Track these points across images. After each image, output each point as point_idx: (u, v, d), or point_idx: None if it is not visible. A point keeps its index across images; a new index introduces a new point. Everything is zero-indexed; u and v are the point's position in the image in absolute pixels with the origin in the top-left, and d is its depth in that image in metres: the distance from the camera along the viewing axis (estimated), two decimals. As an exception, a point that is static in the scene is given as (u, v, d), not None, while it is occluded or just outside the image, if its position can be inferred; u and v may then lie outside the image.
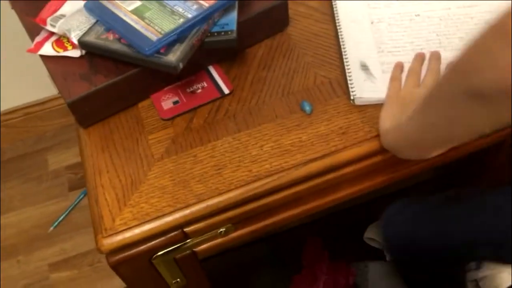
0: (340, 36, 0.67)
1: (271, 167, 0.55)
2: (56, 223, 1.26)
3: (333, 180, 0.58)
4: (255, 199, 0.56)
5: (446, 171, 1.15)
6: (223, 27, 0.62)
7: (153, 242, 0.54)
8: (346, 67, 0.63)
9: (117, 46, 0.60)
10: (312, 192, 0.58)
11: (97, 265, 1.18)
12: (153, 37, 0.58)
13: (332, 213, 1.15)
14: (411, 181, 1.15)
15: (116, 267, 0.55)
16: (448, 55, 0.63)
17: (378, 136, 0.56)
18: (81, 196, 1.30)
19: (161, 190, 0.55)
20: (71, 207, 1.29)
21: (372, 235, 1.07)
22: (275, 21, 0.69)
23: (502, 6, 0.35)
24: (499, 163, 0.73)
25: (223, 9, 0.62)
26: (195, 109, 0.63)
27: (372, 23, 0.68)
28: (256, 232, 0.61)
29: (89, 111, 0.62)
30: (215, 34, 0.61)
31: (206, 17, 0.60)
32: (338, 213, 1.14)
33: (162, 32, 0.59)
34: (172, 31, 0.58)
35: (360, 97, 0.60)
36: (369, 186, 0.62)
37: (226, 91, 0.63)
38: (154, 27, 0.60)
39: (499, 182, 0.77)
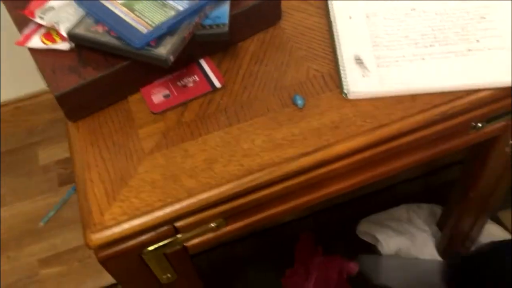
0: (334, 30, 0.66)
1: (262, 161, 0.55)
2: (46, 219, 1.25)
3: (325, 174, 0.57)
4: (247, 194, 0.55)
5: (436, 168, 1.16)
6: (215, 20, 0.61)
7: (143, 237, 0.54)
8: (339, 61, 0.62)
9: (106, 39, 0.59)
10: (304, 187, 0.58)
11: (87, 261, 1.17)
12: (144, 30, 0.57)
13: (324, 208, 1.15)
14: (400, 177, 1.16)
15: (105, 263, 0.55)
16: (443, 50, 0.62)
17: (370, 130, 0.56)
18: (71, 192, 1.29)
19: (151, 185, 0.54)
20: (61, 203, 1.28)
21: (365, 229, 1.07)
22: (267, 15, 0.68)
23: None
24: (493, 159, 0.73)
25: (215, 2, 0.61)
26: (186, 103, 0.62)
27: (367, 17, 0.68)
28: (247, 227, 0.60)
29: (78, 104, 0.61)
30: (207, 27, 0.61)
31: (198, 10, 0.59)
32: (331, 208, 1.14)
33: (153, 25, 0.58)
34: (163, 23, 0.57)
35: (354, 91, 0.59)
36: (361, 180, 0.62)
37: (218, 85, 0.63)
38: (145, 19, 0.59)
39: (492, 178, 0.77)
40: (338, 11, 0.68)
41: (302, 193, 0.60)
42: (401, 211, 1.08)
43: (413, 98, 0.58)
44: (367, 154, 0.58)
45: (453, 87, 0.58)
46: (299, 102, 0.59)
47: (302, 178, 0.56)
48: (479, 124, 0.63)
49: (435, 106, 0.57)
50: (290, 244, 1.10)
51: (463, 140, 0.64)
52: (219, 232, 0.59)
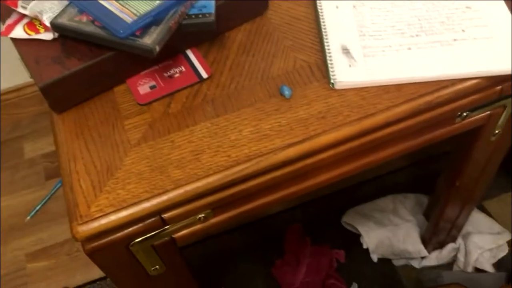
0: (321, 20, 0.66)
1: (250, 152, 0.54)
2: (33, 213, 1.24)
3: (312, 164, 0.57)
4: (234, 184, 0.55)
5: (423, 158, 1.17)
6: (201, 10, 0.60)
7: (130, 229, 0.53)
8: (326, 51, 0.62)
9: (90, 29, 0.58)
10: (291, 177, 0.58)
11: (75, 255, 1.17)
12: (128, 19, 0.57)
13: (312, 199, 1.15)
14: (388, 168, 1.17)
15: (93, 255, 0.54)
16: (429, 40, 0.63)
17: (357, 120, 0.56)
18: (58, 185, 1.27)
19: (138, 176, 0.54)
20: (48, 196, 1.26)
21: (349, 219, 1.08)
22: (254, 5, 0.68)
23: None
24: (478, 149, 0.73)
25: (201, -9, 0.61)
26: (172, 93, 0.61)
27: (354, 6, 0.68)
28: (235, 218, 0.60)
29: (62, 95, 0.60)
30: (193, 16, 0.60)
31: (183, -1, 0.59)
32: (319, 199, 1.15)
33: (138, 14, 0.57)
34: (148, 13, 0.57)
35: (340, 81, 0.59)
36: (349, 170, 0.62)
37: (205, 75, 0.62)
38: (130, 8, 0.58)
39: (478, 167, 0.78)
40: (325, 1, 0.68)
41: (290, 183, 0.60)
42: (387, 201, 1.09)
43: (399, 87, 0.58)
44: (354, 144, 0.58)
45: (439, 76, 0.59)
46: (286, 92, 0.59)
47: (289, 168, 0.56)
48: (464, 114, 0.63)
49: (421, 95, 0.57)
50: (279, 236, 1.10)
51: (449, 129, 0.65)
52: (207, 223, 0.59)
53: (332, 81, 0.59)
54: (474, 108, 0.63)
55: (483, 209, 1.09)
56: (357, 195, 1.14)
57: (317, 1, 0.68)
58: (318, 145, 0.55)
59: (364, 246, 1.04)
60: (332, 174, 0.62)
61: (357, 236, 1.07)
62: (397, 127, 0.59)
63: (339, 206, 1.12)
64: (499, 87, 0.62)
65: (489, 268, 0.99)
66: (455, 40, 0.62)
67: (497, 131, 0.70)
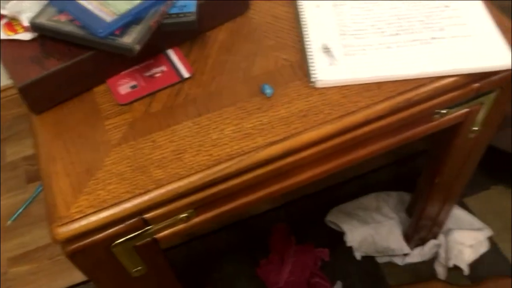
0: (302, 19, 0.66)
1: (232, 151, 0.54)
2: (14, 216, 1.22)
3: (294, 163, 0.57)
4: (216, 183, 0.55)
5: (406, 156, 1.18)
6: (182, 9, 0.60)
7: (111, 230, 0.53)
8: (307, 50, 0.63)
9: (69, 28, 0.57)
10: (274, 175, 0.58)
11: (58, 259, 1.15)
12: (108, 18, 0.56)
13: (297, 199, 1.16)
14: (371, 166, 1.18)
15: (73, 257, 0.54)
16: (408, 38, 0.63)
17: (338, 118, 0.56)
18: (40, 188, 1.25)
19: (119, 177, 0.53)
20: (30, 200, 1.24)
21: (333, 218, 1.09)
22: (235, 4, 0.68)
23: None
24: (456, 146, 0.75)
25: (182, -10, 0.61)
26: (154, 93, 0.61)
27: (334, 6, 0.68)
28: (218, 217, 0.60)
29: (42, 96, 0.59)
30: (174, 15, 0.60)
31: (164, -2, 0.58)
32: (303, 198, 1.16)
33: (117, 13, 0.57)
34: (128, 12, 0.56)
35: (321, 80, 0.59)
36: (330, 168, 0.63)
37: (186, 75, 0.62)
38: (109, 7, 0.58)
39: (457, 164, 0.79)
40: (306, 0, 0.69)
41: (272, 182, 0.60)
42: (370, 199, 1.10)
43: (379, 85, 0.59)
44: (335, 141, 0.58)
45: (418, 74, 0.59)
46: (268, 91, 0.59)
47: (271, 166, 0.56)
48: (443, 111, 0.64)
49: (400, 93, 0.58)
50: (264, 235, 1.10)
51: (428, 127, 0.66)
52: (189, 223, 0.58)
53: (313, 79, 0.60)
54: (452, 105, 0.64)
55: (464, 206, 1.11)
56: (340, 194, 1.15)
57: (298, 1, 0.69)
58: (299, 143, 0.56)
59: (348, 244, 1.05)
60: (314, 172, 0.62)
61: (341, 234, 1.08)
62: (378, 124, 0.60)
63: (323, 205, 1.13)
64: (476, 85, 0.63)
65: (464, 266, 1.01)
66: (433, 38, 0.63)
67: (475, 128, 0.72)
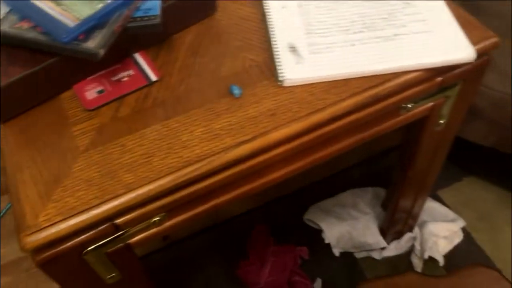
0: (268, 20, 0.67)
1: (201, 152, 0.55)
2: (-13, 230, 1.19)
3: (265, 162, 0.58)
4: (187, 185, 0.55)
5: (381, 152, 1.20)
6: (146, 12, 0.60)
7: (81, 237, 0.52)
8: (274, 50, 0.63)
9: (32, 35, 0.57)
10: (245, 175, 0.58)
11: (34, 271, 1.13)
12: (70, 24, 0.56)
13: (275, 199, 1.16)
14: (347, 163, 1.20)
15: (44, 266, 0.53)
16: (372, 35, 0.65)
17: (306, 115, 0.57)
18: (14, 199, 1.23)
19: (88, 183, 0.53)
20: (4, 212, 1.22)
21: (311, 216, 1.10)
22: (202, 6, 0.68)
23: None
24: (425, 139, 0.76)
25: (146, -6, 0.60)
26: (121, 98, 0.60)
27: (299, 6, 0.69)
28: (191, 219, 0.60)
29: (7, 104, 0.58)
30: (138, 19, 0.60)
31: (127, 2, 0.58)
32: (281, 198, 1.16)
33: (80, 18, 0.56)
34: (91, 17, 0.56)
35: (289, 79, 0.60)
36: (301, 166, 0.63)
37: (154, 78, 0.62)
38: (72, 13, 0.57)
39: (427, 157, 0.81)
40: (272, 1, 0.69)
41: (244, 182, 0.60)
42: (346, 196, 1.11)
43: (346, 82, 0.60)
44: (304, 139, 0.59)
45: (382, 70, 0.61)
46: (236, 91, 0.60)
47: (242, 166, 0.57)
48: (409, 105, 0.66)
49: (366, 89, 0.59)
50: (243, 237, 1.10)
51: (395, 121, 0.67)
52: (162, 227, 0.58)
53: (280, 78, 0.60)
54: (417, 99, 0.66)
55: (437, 198, 1.13)
56: (317, 192, 1.16)
57: (264, 1, 0.69)
58: (268, 142, 0.56)
59: (326, 241, 1.06)
60: (286, 170, 0.62)
61: (319, 232, 1.09)
62: (345, 121, 0.60)
63: (300, 204, 1.14)
64: (440, 78, 0.64)
65: (439, 257, 1.03)
66: (396, 35, 0.65)
67: (441, 121, 0.73)
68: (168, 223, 0.59)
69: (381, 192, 1.11)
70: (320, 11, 0.68)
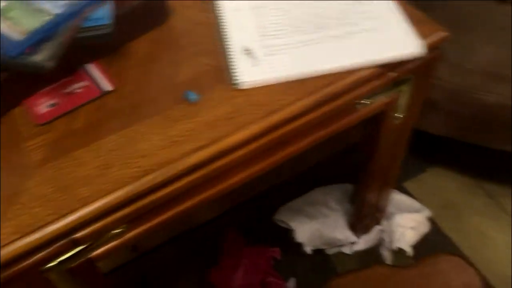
0: (222, 24, 0.67)
1: (160, 160, 0.54)
2: None
3: (224, 166, 0.58)
4: (147, 194, 0.54)
5: (347, 149, 1.22)
6: (96, 22, 0.59)
7: (39, 254, 0.51)
8: (229, 53, 0.63)
9: (-23, 50, 0.55)
10: (205, 181, 0.58)
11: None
12: (18, 37, 0.54)
13: (245, 201, 1.16)
14: (310, 163, 1.20)
15: (5, 286, 0.51)
16: (325, 35, 0.65)
17: (263, 117, 0.57)
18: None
19: (43, 199, 0.51)
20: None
21: (281, 216, 1.10)
22: (154, 14, 0.68)
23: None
24: (384, 133, 0.78)
25: (95, 3, 0.59)
26: (75, 110, 0.59)
27: (253, 8, 0.70)
28: (154, 229, 0.59)
29: (-46, 123, 0.56)
30: (89, 29, 0.59)
31: (75, 13, 0.57)
32: (249, 201, 1.16)
33: (27, 32, 0.55)
34: (38, 29, 0.55)
35: (245, 81, 0.60)
36: (262, 168, 0.64)
37: (108, 88, 0.61)
38: (18, 26, 0.56)
39: (387, 151, 0.83)
40: (225, 5, 0.70)
41: (205, 186, 0.60)
42: (315, 194, 1.12)
43: (301, 82, 0.61)
44: (263, 140, 0.59)
45: (336, 68, 0.62)
46: (193, 97, 0.59)
47: (201, 172, 0.57)
48: (365, 101, 0.67)
49: (321, 88, 0.60)
50: (215, 242, 1.10)
51: (352, 117, 0.68)
52: (124, 238, 0.57)
53: (236, 82, 0.60)
54: (372, 95, 0.67)
55: (402, 190, 1.16)
56: (287, 192, 1.16)
57: (217, 6, 0.69)
58: (227, 146, 0.56)
59: (298, 240, 1.07)
60: (247, 173, 0.63)
61: (291, 231, 1.09)
62: (303, 120, 0.61)
63: (270, 205, 1.14)
64: (392, 74, 0.66)
65: (407, 247, 1.05)
66: (348, 33, 0.66)
67: (398, 115, 0.75)
68: (130, 234, 0.58)
69: (349, 188, 1.13)
70: (274, 13, 0.69)
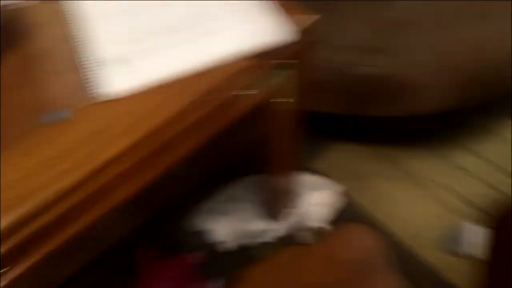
0: (78, 37, 0.64)
1: (26, 190, 0.50)
2: None
3: (105, 185, 0.54)
4: (18, 230, 0.50)
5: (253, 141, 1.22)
6: None
7: None
8: (89, 66, 0.60)
9: None
10: (85, 202, 0.54)
11: None
12: None
13: (154, 215, 1.13)
14: (216, 162, 1.19)
15: None
16: (188, 34, 0.64)
17: (136, 127, 0.55)
18: None
19: None
20: None
21: (196, 220, 1.09)
22: (7, 36, 0.62)
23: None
24: (278, 120, 0.78)
25: None
26: None
27: (105, 17, 0.67)
28: (39, 264, 0.55)
29: None
30: None
31: None
32: (159, 213, 1.12)
33: None
34: None
35: (109, 93, 0.58)
36: (149, 179, 0.61)
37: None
38: None
39: (282, 136, 0.84)
40: (77, 17, 0.66)
41: (86, 208, 0.56)
42: (226, 191, 1.11)
43: (174, 84, 0.59)
44: (144, 150, 0.57)
45: (208, 65, 0.61)
46: (57, 116, 0.56)
47: (79, 194, 0.53)
48: (249, 92, 0.66)
49: (196, 86, 0.59)
50: (131, 263, 1.05)
51: (239, 110, 0.67)
52: (5, 281, 0.52)
53: (100, 95, 0.57)
54: (255, 85, 0.67)
55: (313, 171, 1.18)
56: (197, 195, 1.14)
57: (71, 21, 0.65)
58: (101, 163, 0.53)
59: (218, 240, 1.06)
60: (133, 187, 0.60)
61: (210, 232, 1.08)
62: (185, 119, 0.59)
63: (182, 211, 1.12)
64: (271, 62, 0.66)
65: (325, 224, 1.08)
66: (218, 28, 0.65)
67: (287, 100, 0.76)
68: (12, 275, 0.53)
69: (258, 178, 1.13)
70: (130, 19, 0.66)
